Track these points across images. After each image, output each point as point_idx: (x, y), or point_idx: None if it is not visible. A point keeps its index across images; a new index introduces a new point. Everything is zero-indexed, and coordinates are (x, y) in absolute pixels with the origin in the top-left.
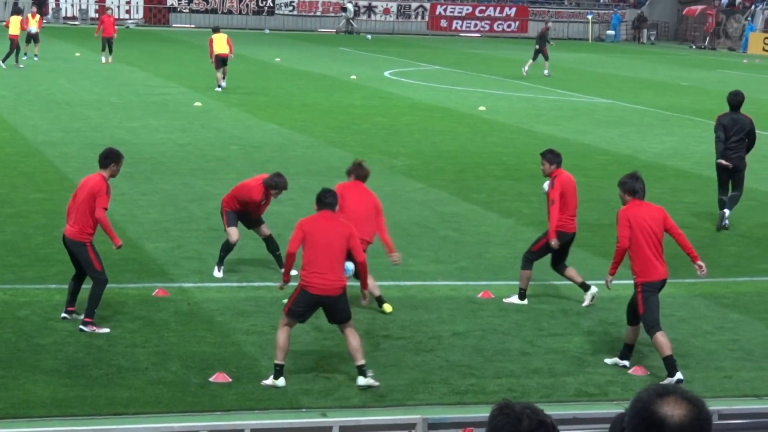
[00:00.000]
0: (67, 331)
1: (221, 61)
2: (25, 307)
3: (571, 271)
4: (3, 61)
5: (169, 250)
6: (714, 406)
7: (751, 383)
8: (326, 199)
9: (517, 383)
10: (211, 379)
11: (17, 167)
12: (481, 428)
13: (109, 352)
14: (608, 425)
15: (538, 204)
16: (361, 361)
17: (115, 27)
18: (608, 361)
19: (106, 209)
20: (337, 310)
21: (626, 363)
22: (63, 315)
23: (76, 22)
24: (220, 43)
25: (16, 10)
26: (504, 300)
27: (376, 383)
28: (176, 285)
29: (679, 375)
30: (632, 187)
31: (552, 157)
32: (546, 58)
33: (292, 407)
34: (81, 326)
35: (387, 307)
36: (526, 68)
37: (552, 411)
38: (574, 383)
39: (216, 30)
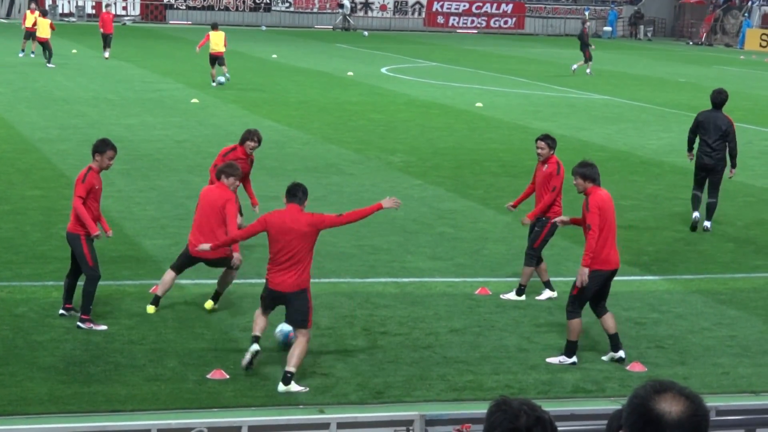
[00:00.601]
0: (65, 328)
1: (214, 59)
2: (22, 305)
3: (542, 267)
4: (48, 62)
5: (167, 247)
6: (711, 402)
7: (748, 379)
8: (293, 191)
9: (514, 379)
10: (208, 376)
11: (14, 164)
12: (478, 425)
13: (106, 349)
14: (606, 422)
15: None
16: (292, 369)
17: (113, 23)
18: (605, 358)
19: (81, 197)
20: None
21: (621, 354)
22: (61, 312)
23: (73, 19)
24: (216, 41)
25: (43, 12)
26: (501, 296)
27: (301, 389)
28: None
29: (574, 359)
30: (592, 174)
31: (551, 142)
32: (587, 59)
33: (290, 404)
34: (78, 323)
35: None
36: (588, 70)
37: (549, 407)
38: (571, 379)
39: (214, 27)
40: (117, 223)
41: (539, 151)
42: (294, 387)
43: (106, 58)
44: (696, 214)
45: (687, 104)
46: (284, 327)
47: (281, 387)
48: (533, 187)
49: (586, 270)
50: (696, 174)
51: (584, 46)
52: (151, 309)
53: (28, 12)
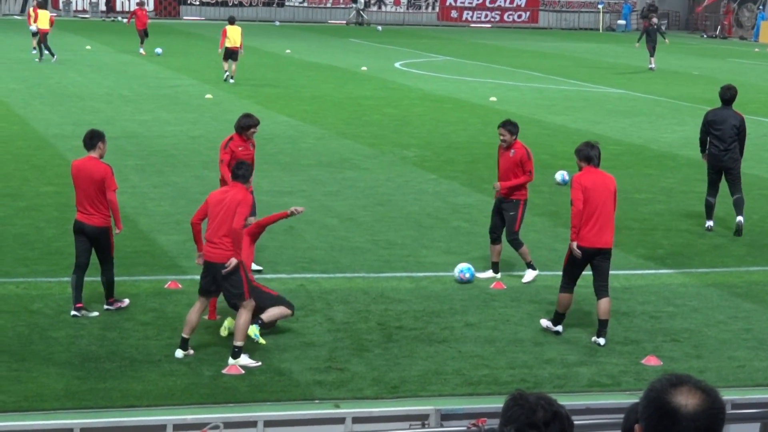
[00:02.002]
0: (80, 324)
1: (230, 54)
2: (37, 301)
3: (523, 249)
4: (53, 56)
5: (181, 243)
6: (727, 395)
7: (764, 372)
8: (238, 171)
9: (529, 374)
10: (224, 371)
11: (29, 160)
12: (494, 419)
13: (121, 345)
14: (621, 415)
15: (549, 194)
16: (239, 342)
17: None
18: (594, 339)
19: (116, 190)
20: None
21: (601, 341)
22: (73, 313)
23: (87, 16)
24: (233, 36)
25: (41, 4)
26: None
27: (252, 363)
28: (188, 277)
29: (559, 328)
30: (587, 154)
31: (513, 128)
32: (651, 53)
33: (305, 399)
34: (107, 306)
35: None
36: (652, 65)
37: (565, 401)
38: (587, 373)
39: (231, 21)
40: (132, 219)
41: (502, 137)
42: (247, 362)
43: (142, 54)
44: (710, 223)
45: (701, 97)
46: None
47: (231, 360)
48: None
49: (573, 243)
50: (709, 175)
51: (651, 40)
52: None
53: (30, 10)
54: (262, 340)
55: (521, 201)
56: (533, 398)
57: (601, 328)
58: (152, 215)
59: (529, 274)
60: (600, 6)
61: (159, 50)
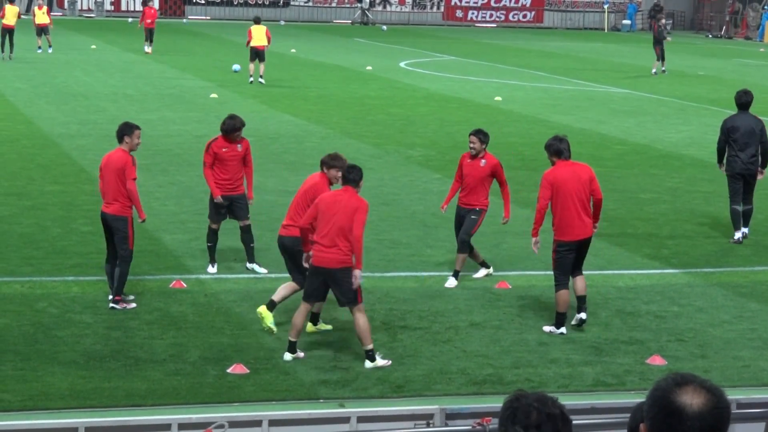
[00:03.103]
0: (85, 323)
1: (256, 54)
2: (42, 300)
3: (475, 251)
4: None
5: (186, 242)
6: (732, 395)
7: None
8: (349, 176)
9: (534, 373)
10: (228, 371)
11: (34, 159)
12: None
13: (126, 344)
14: (626, 415)
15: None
16: (369, 346)
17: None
18: (577, 317)
19: (135, 179)
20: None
21: (583, 316)
22: (111, 306)
23: (92, 15)
24: (258, 35)
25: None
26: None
27: (385, 363)
28: (193, 277)
29: (563, 330)
30: (558, 148)
31: (484, 137)
32: (658, 57)
33: (310, 398)
34: (112, 305)
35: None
36: (653, 70)
37: (569, 401)
38: (591, 373)
39: (257, 21)
40: (136, 217)
41: (472, 145)
42: (380, 361)
43: (147, 53)
44: (738, 234)
45: (706, 97)
46: None
47: (368, 364)
48: (459, 184)
49: (534, 239)
50: (733, 184)
51: (656, 43)
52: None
53: (35, 8)
54: (274, 329)
55: (484, 210)
56: (530, 400)
57: (581, 303)
58: (157, 214)
59: (482, 272)
60: (605, 6)
61: (237, 66)
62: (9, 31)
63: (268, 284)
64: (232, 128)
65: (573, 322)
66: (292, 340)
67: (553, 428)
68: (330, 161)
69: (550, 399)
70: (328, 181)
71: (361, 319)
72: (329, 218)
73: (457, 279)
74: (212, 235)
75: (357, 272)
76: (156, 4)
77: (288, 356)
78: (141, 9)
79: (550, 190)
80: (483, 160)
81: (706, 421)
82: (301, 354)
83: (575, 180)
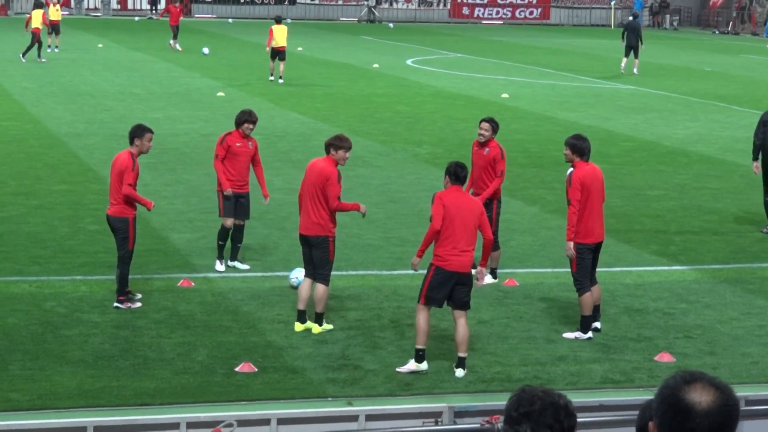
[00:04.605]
0: (93, 323)
1: (276, 53)
2: (50, 299)
3: (497, 254)
4: (23, 55)
5: (194, 241)
6: (740, 392)
7: None
8: (461, 173)
9: (542, 371)
10: (237, 369)
11: (41, 159)
12: None
13: (135, 343)
14: (634, 412)
15: (561, 191)
16: (463, 354)
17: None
18: (569, 335)
19: (130, 184)
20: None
21: (597, 325)
22: (115, 305)
23: (99, 14)
24: (280, 35)
25: (38, 4)
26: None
27: (461, 374)
28: (201, 275)
29: (590, 334)
30: (581, 147)
31: (496, 126)
32: (627, 53)
33: (318, 396)
34: (116, 304)
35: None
36: (623, 65)
37: (578, 398)
38: (600, 370)
39: (278, 21)
40: (144, 217)
41: (483, 132)
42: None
43: (177, 49)
44: None
45: (713, 93)
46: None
47: (459, 373)
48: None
49: (571, 244)
50: (766, 177)
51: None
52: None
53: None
54: (330, 326)
55: (494, 201)
56: (535, 390)
57: (597, 313)
58: (165, 213)
59: (488, 279)
60: (612, 2)
61: (206, 50)
62: (51, 29)
63: (275, 282)
64: (241, 120)
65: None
66: (422, 347)
67: (555, 416)
68: (339, 143)
69: (557, 393)
70: (335, 162)
71: (464, 325)
72: (461, 222)
73: (494, 276)
74: (224, 233)
75: (482, 270)
76: (162, 2)
77: (425, 365)
78: (147, 7)
79: (581, 192)
80: (487, 149)
81: (714, 419)
82: (424, 365)
83: (598, 182)
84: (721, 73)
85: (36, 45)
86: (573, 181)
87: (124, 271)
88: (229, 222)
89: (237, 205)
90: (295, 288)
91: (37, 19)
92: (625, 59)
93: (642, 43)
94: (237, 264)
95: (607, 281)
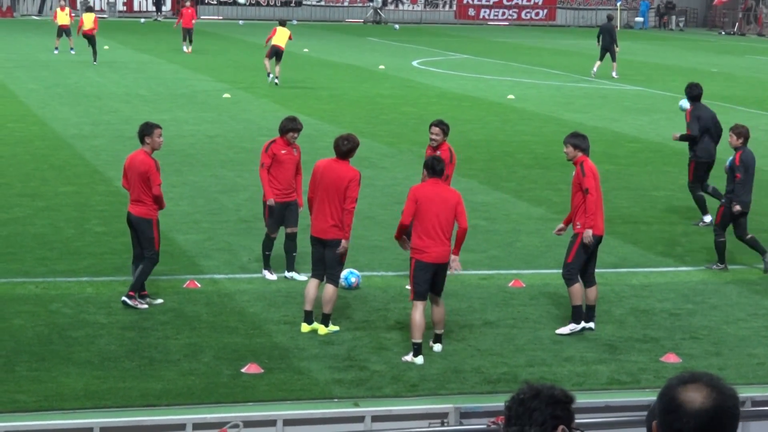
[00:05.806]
0: (99, 324)
1: (275, 52)
2: (57, 300)
3: None
4: (94, 60)
5: (200, 242)
6: (747, 393)
7: None
8: (437, 167)
9: (548, 371)
10: (243, 370)
11: (47, 160)
12: None
13: (141, 344)
14: (640, 413)
15: (567, 192)
16: (439, 331)
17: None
18: (586, 326)
19: (160, 184)
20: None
21: (591, 325)
22: (123, 299)
23: (105, 15)
24: (281, 36)
25: (89, 8)
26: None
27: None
28: (207, 276)
29: (583, 324)
30: (583, 145)
31: (446, 128)
32: (602, 56)
33: (325, 397)
34: (124, 298)
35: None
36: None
37: (584, 399)
38: (606, 371)
39: (282, 23)
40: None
41: (434, 137)
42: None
43: (185, 52)
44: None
45: (719, 94)
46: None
47: (437, 347)
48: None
49: (590, 231)
50: (700, 175)
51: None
52: (319, 328)
53: (58, 9)
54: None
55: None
56: (534, 383)
57: (592, 313)
58: (171, 215)
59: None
60: (618, 3)
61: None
62: (88, 36)
63: (282, 284)
64: (286, 129)
65: (586, 326)
66: (418, 341)
67: (549, 401)
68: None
69: (558, 387)
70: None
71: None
72: (437, 213)
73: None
74: (269, 243)
75: (455, 258)
76: (168, 5)
77: (421, 359)
78: (153, 9)
79: (595, 180)
80: (438, 152)
81: (703, 420)
82: (420, 360)
83: (598, 176)
84: (727, 73)
85: (93, 45)
86: (586, 170)
87: (148, 269)
88: (273, 235)
89: (286, 212)
90: (346, 289)
91: (88, 21)
92: (598, 62)
93: (617, 46)
94: (294, 275)
95: (613, 282)
